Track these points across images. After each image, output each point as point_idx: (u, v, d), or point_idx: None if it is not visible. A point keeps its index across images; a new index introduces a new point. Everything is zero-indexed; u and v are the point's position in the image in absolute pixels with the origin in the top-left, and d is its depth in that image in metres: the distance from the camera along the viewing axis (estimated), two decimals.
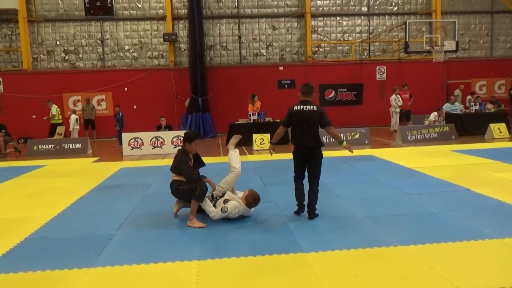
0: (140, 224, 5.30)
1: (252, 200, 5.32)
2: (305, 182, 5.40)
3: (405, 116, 15.80)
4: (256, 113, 13.56)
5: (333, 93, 18.36)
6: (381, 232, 4.63)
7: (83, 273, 3.84)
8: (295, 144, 5.40)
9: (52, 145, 13.09)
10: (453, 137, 13.02)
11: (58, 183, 8.16)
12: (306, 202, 5.39)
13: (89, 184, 7.88)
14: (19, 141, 15.85)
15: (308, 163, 5.34)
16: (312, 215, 5.31)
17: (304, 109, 5.25)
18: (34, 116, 17.01)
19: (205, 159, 9.72)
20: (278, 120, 13.68)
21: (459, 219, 5.02)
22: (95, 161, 11.18)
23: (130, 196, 6.77)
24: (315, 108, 5.28)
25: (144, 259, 4.06)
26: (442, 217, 5.11)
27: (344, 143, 5.40)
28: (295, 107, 5.32)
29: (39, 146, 13.05)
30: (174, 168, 5.36)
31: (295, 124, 5.30)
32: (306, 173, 5.41)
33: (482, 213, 5.23)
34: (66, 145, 13.14)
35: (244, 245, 4.37)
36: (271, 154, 5.71)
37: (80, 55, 17.80)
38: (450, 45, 14.72)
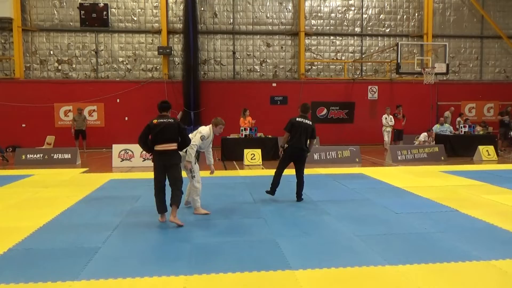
0: (127, 237, 5.23)
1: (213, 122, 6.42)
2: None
3: (397, 136, 15.95)
4: (248, 128, 13.59)
5: (325, 110, 18.51)
6: (370, 251, 4.62)
7: (67, 286, 3.77)
8: (292, 146, 6.99)
9: (41, 155, 12.94)
10: (442, 158, 13.14)
11: (45, 194, 8.04)
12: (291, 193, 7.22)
13: (77, 195, 7.78)
14: (7, 150, 15.66)
15: (297, 161, 7.11)
16: (300, 199, 7.15)
17: (303, 121, 7.04)
18: (23, 125, 16.88)
19: None
20: (269, 136, 13.72)
21: (447, 240, 5.03)
22: (84, 172, 11.06)
23: (118, 209, 6.69)
24: (310, 123, 7.12)
25: (130, 273, 4.00)
26: (430, 238, 5.12)
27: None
28: (297, 119, 7.04)
29: (27, 155, 12.89)
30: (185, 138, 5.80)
31: (296, 131, 6.96)
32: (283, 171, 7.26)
33: (470, 234, 5.26)
34: (55, 155, 12.99)
35: (232, 261, 4.33)
36: (281, 154, 7.23)
37: (74, 66, 17.77)
38: (440, 67, 15.00)
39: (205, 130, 6.34)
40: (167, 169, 5.70)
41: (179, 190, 5.71)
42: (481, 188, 8.31)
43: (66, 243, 4.96)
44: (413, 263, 4.23)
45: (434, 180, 9.25)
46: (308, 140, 7.10)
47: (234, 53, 18.42)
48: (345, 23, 18.85)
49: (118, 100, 17.46)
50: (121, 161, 12.38)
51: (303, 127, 6.96)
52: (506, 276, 4.01)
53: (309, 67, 18.86)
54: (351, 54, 19.01)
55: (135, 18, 17.88)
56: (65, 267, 4.19)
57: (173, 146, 5.68)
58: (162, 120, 5.67)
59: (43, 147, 14.85)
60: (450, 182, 8.99)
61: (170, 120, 5.70)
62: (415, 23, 19.19)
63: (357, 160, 12.77)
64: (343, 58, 18.94)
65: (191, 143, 6.09)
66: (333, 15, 18.77)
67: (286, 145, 7.07)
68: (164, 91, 17.48)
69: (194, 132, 6.42)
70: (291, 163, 7.21)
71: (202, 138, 6.24)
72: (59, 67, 17.71)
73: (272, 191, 7.22)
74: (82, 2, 17.42)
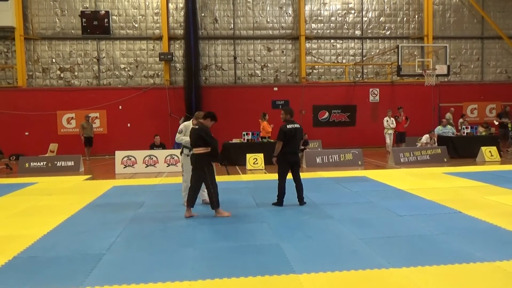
0: (131, 243, 5.25)
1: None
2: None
3: (399, 138, 15.93)
4: (250, 133, 13.62)
5: (327, 114, 18.52)
6: (374, 254, 4.62)
7: None
8: (287, 152, 7.01)
9: (44, 163, 13.00)
10: (445, 159, 13.12)
11: (49, 201, 8.07)
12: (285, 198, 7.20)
13: (80, 202, 7.81)
14: (11, 158, 15.73)
15: (293, 166, 7.16)
16: (302, 202, 7.17)
17: (293, 127, 7.05)
18: (27, 133, 16.96)
19: None
20: (271, 140, 13.73)
21: (451, 242, 5.02)
22: (87, 179, 11.10)
23: (122, 215, 6.71)
24: (298, 125, 7.17)
25: (135, 280, 4.01)
26: (434, 240, 5.11)
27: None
28: (288, 126, 7.01)
29: (31, 163, 12.94)
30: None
31: (289, 139, 6.98)
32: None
33: (474, 236, 5.24)
34: (58, 162, 13.04)
35: (236, 266, 4.34)
36: (275, 163, 7.25)
37: (76, 73, 17.87)
38: (441, 69, 15.01)
39: (181, 124, 7.31)
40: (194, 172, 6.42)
41: (191, 191, 6.38)
42: (484, 189, 8.29)
43: (70, 250, 4.97)
44: (417, 266, 4.23)
45: (437, 182, 9.24)
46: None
47: (235, 58, 18.48)
48: (345, 27, 18.90)
49: (120, 107, 17.53)
50: (124, 167, 12.41)
51: (294, 133, 7.02)
52: (510, 277, 4.00)
53: (310, 70, 18.89)
54: (351, 57, 19.03)
55: (136, 25, 17.98)
56: (70, 274, 4.21)
57: (197, 150, 6.27)
58: (193, 126, 6.55)
59: (46, 154, 14.90)
60: (453, 184, 8.97)
61: (195, 126, 6.44)
62: (415, 25, 19.22)
63: (359, 163, 12.76)
64: (344, 61, 18.97)
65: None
66: (333, 18, 18.82)
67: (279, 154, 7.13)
68: (166, 97, 17.55)
69: None
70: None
71: (179, 131, 7.15)
72: (61, 75, 17.81)
73: (280, 202, 7.15)
74: (83, 10, 17.54)
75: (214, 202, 6.40)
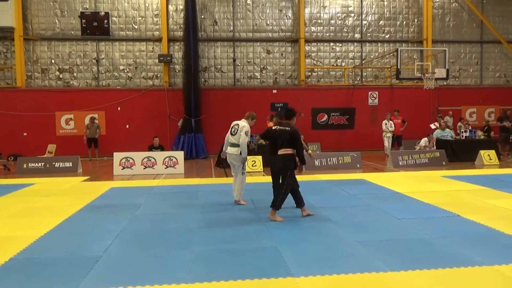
0: (129, 245, 5.22)
1: (249, 115, 7.16)
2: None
3: (396, 141, 15.93)
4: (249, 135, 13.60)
5: (326, 116, 18.52)
6: (372, 258, 4.60)
7: None
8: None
9: (42, 163, 12.96)
10: (443, 162, 13.12)
11: (46, 202, 8.04)
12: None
13: (77, 203, 7.78)
14: (9, 159, 15.69)
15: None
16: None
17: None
18: (25, 134, 16.92)
19: (197, 180, 9.71)
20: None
21: (450, 245, 5.01)
22: (85, 180, 11.07)
23: (119, 217, 6.69)
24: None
25: (131, 282, 3.99)
26: (432, 243, 5.10)
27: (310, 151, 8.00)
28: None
29: (29, 164, 12.90)
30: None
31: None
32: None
33: (473, 239, 5.23)
34: (56, 163, 13.00)
35: (233, 269, 4.32)
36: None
37: (75, 74, 17.84)
38: (440, 72, 15.01)
39: (247, 126, 7.07)
40: (276, 172, 6.40)
41: (280, 193, 6.28)
42: (483, 192, 8.29)
43: (67, 252, 4.95)
44: (415, 269, 4.21)
45: (435, 185, 9.23)
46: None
47: (234, 60, 18.49)
48: (345, 30, 18.92)
49: (119, 108, 17.51)
50: (122, 169, 12.38)
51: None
52: (509, 281, 3.99)
53: (309, 73, 18.90)
54: (351, 60, 19.05)
55: (136, 27, 17.97)
56: (66, 276, 4.19)
57: (285, 151, 6.21)
58: (278, 127, 6.36)
59: (45, 155, 14.86)
60: (452, 187, 8.96)
61: (284, 128, 6.27)
62: (414, 28, 19.25)
63: (358, 166, 12.75)
64: (343, 64, 18.99)
65: (242, 140, 6.90)
66: (332, 21, 18.84)
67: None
68: (165, 98, 17.54)
69: (238, 132, 7.07)
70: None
71: (247, 133, 6.96)
72: (60, 76, 17.78)
73: (279, 206, 7.04)
74: (83, 11, 17.53)
75: (277, 203, 6.31)
